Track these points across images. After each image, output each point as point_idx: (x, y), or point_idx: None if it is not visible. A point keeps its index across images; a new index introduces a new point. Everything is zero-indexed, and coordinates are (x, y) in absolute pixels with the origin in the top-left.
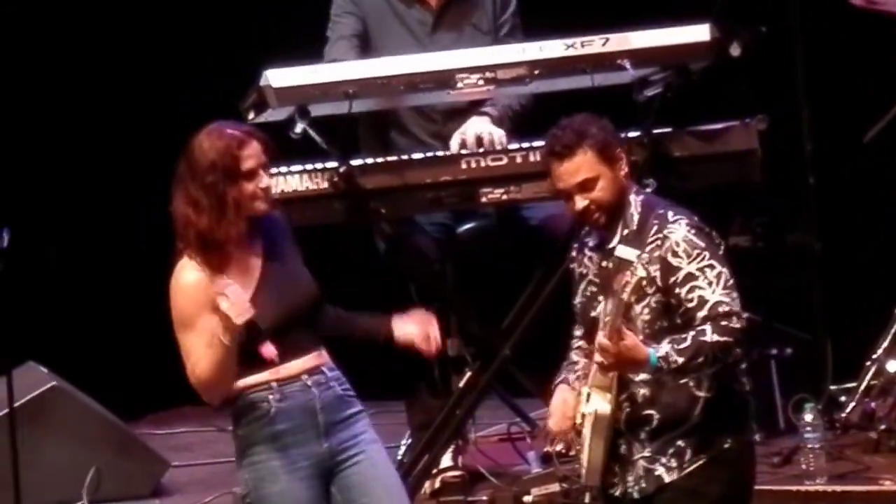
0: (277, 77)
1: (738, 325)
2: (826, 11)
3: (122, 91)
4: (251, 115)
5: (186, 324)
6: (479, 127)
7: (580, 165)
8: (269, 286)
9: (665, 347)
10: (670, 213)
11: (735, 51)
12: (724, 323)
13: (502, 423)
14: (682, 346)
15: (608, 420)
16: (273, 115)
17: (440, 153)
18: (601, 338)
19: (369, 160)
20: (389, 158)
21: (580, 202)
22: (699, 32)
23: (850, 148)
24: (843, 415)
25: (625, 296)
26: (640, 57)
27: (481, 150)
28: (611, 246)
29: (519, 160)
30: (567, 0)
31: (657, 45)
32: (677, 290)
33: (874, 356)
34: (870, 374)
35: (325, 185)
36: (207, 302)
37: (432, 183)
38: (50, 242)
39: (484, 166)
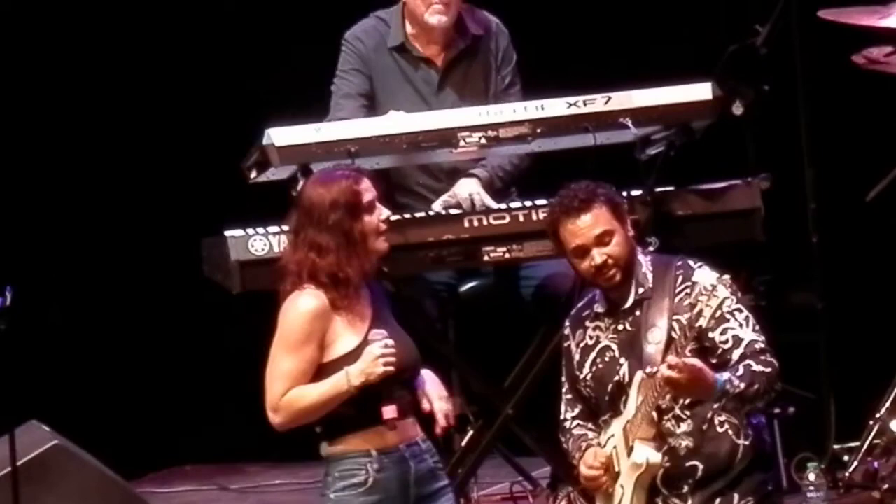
0: (280, 135)
1: (774, 361)
2: (829, 70)
3: (127, 145)
4: (253, 174)
5: (290, 346)
6: (467, 189)
7: (597, 218)
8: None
9: (726, 374)
10: (691, 262)
11: (738, 109)
12: (763, 357)
13: (505, 482)
14: (739, 373)
15: (657, 470)
16: (275, 173)
17: (443, 212)
18: (673, 358)
19: None
20: (392, 217)
21: (598, 257)
22: (702, 91)
23: (854, 206)
24: (847, 474)
25: (703, 321)
26: (642, 115)
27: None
28: (627, 306)
29: (521, 219)
30: (569, 58)
31: (660, 104)
32: (711, 334)
33: (877, 415)
34: (873, 433)
35: None
36: (321, 333)
37: (435, 241)
38: (52, 302)
39: (486, 225)
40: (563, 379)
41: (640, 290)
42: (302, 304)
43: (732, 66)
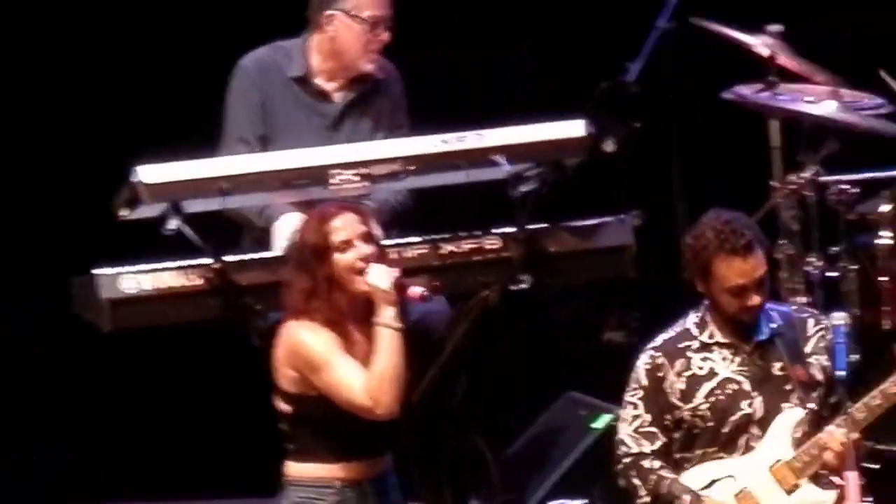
0: (148, 173)
1: None
2: (699, 106)
3: None
4: (124, 212)
5: (326, 358)
6: None
7: (759, 262)
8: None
9: None
10: (807, 308)
11: (609, 146)
12: None
13: None
14: None
15: None
16: (146, 211)
17: None
18: (840, 432)
19: (244, 256)
20: (264, 255)
21: (756, 298)
22: (573, 128)
23: None
24: None
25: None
26: (514, 152)
27: None
28: (762, 339)
29: (395, 256)
30: (442, 96)
31: (531, 141)
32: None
33: None
34: None
35: (200, 281)
36: (335, 345)
37: None
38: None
39: None
40: (642, 412)
41: (773, 325)
42: (302, 329)
43: (604, 104)
